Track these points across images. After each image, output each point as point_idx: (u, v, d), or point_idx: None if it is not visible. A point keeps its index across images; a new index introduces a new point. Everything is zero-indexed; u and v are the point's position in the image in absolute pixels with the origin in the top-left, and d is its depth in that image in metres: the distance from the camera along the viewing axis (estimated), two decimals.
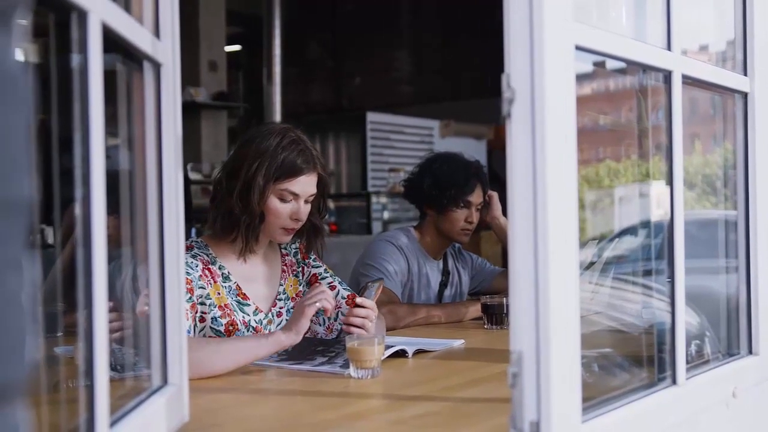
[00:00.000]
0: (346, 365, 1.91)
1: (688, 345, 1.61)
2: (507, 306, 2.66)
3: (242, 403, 1.73)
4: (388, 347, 2.04)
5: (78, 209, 1.02)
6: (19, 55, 0.58)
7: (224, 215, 2.21)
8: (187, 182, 5.59)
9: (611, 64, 1.55)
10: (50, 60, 1.04)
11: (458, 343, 2.36)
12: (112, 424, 1.09)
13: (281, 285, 2.35)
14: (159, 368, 1.37)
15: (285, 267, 2.39)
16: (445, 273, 3.16)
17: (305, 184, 2.21)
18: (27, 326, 0.57)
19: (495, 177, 4.46)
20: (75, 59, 1.02)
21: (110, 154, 1.11)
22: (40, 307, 0.63)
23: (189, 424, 1.44)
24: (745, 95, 1.82)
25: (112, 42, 1.12)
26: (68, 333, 1.34)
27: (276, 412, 1.64)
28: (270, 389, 1.80)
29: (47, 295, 1.83)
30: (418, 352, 2.18)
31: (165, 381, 1.38)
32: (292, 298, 2.36)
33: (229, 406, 1.70)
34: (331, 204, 7.78)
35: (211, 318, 2.16)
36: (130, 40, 1.19)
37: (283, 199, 2.19)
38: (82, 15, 1.00)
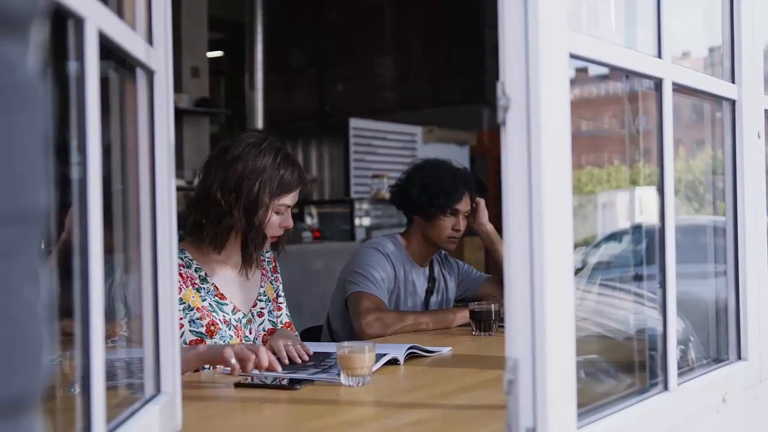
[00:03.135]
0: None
1: None
2: (495, 312, 2.66)
3: (234, 412, 1.73)
4: (379, 356, 2.04)
5: (74, 217, 1.02)
6: (36, 66, 0.57)
7: (225, 230, 2.26)
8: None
9: (593, 70, 1.56)
10: (45, 67, 1.03)
11: (447, 350, 2.36)
12: None
13: (261, 287, 2.43)
14: (152, 377, 1.36)
15: (264, 270, 2.47)
16: (432, 280, 3.16)
17: (296, 196, 2.35)
18: (44, 336, 0.57)
19: (479, 183, 4.47)
20: (71, 66, 1.02)
21: (102, 161, 1.10)
22: (54, 316, 0.63)
23: None
24: (732, 102, 1.84)
25: (106, 49, 1.11)
26: (58, 342, 1.33)
27: (268, 421, 1.64)
28: (262, 398, 1.79)
29: None
30: (411, 356, 2.19)
31: (158, 390, 1.37)
32: (272, 300, 2.45)
33: (221, 415, 1.69)
34: (314, 210, 7.76)
35: (189, 321, 2.20)
36: (124, 47, 1.18)
37: (278, 213, 2.30)
38: (79, 22, 0.99)
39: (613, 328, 2.01)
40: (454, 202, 3.01)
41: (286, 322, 2.47)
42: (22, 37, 0.55)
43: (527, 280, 1.17)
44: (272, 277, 2.50)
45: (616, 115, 1.95)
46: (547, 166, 1.17)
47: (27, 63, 0.56)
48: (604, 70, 1.59)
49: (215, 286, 2.29)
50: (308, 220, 7.52)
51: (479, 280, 3.27)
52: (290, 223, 2.35)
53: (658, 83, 1.53)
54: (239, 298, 2.34)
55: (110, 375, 1.43)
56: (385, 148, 8.42)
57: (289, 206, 2.32)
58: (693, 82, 1.69)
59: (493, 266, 3.48)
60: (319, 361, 2.14)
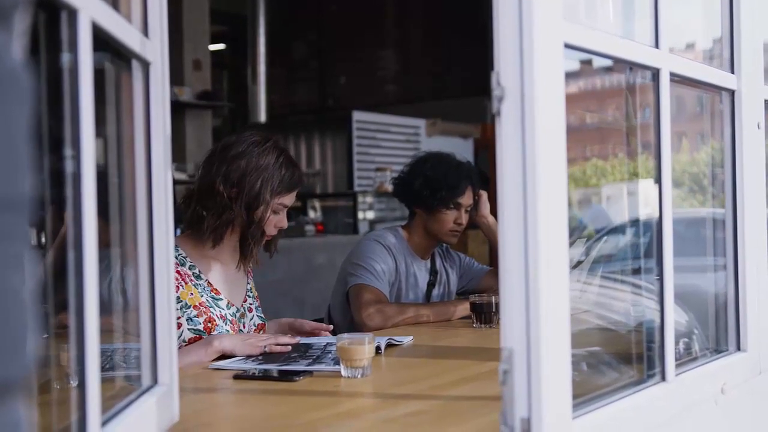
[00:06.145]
0: (337, 362, 1.90)
1: (676, 343, 1.62)
2: (496, 305, 2.66)
3: (232, 403, 1.73)
4: None
5: (68, 210, 1.02)
6: (19, 54, 0.58)
7: (224, 224, 2.28)
8: (172, 182, 5.60)
9: (598, 62, 1.56)
10: (39, 59, 1.03)
11: (407, 339, 2.39)
12: (103, 423, 1.09)
13: (248, 283, 2.48)
14: (149, 368, 1.36)
15: (249, 269, 2.50)
16: (433, 272, 3.16)
17: (294, 197, 2.39)
18: (29, 323, 0.57)
19: (481, 176, 4.50)
20: (64, 58, 1.02)
21: (97, 154, 1.10)
22: (40, 304, 0.63)
23: (179, 424, 1.43)
24: (732, 93, 1.83)
25: (101, 40, 1.11)
26: (56, 334, 1.33)
27: (266, 412, 1.64)
28: (260, 389, 1.79)
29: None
30: (389, 346, 2.24)
31: (155, 381, 1.37)
32: (256, 297, 2.50)
33: (218, 406, 1.69)
34: (317, 204, 7.77)
35: (187, 319, 2.22)
36: (119, 38, 1.18)
37: (275, 212, 2.33)
38: (72, 13, 0.99)
39: (615, 320, 2.01)
40: (457, 196, 3.00)
41: (259, 324, 2.48)
42: (6, 26, 0.55)
43: (522, 271, 1.17)
44: (252, 276, 2.54)
45: (621, 108, 1.95)
46: (542, 157, 1.17)
47: (10, 52, 0.56)
48: (609, 62, 1.59)
49: (209, 282, 2.32)
50: (311, 214, 7.52)
51: (481, 273, 3.27)
52: (285, 224, 2.39)
53: (655, 73, 1.53)
54: (231, 294, 2.38)
55: (114, 366, 1.44)
56: (389, 141, 8.42)
57: (286, 206, 2.36)
58: (691, 72, 1.69)
59: (496, 259, 3.48)
60: (304, 352, 2.14)
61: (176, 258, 2.27)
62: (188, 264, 2.30)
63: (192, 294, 2.26)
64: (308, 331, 2.44)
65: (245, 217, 2.28)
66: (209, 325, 2.24)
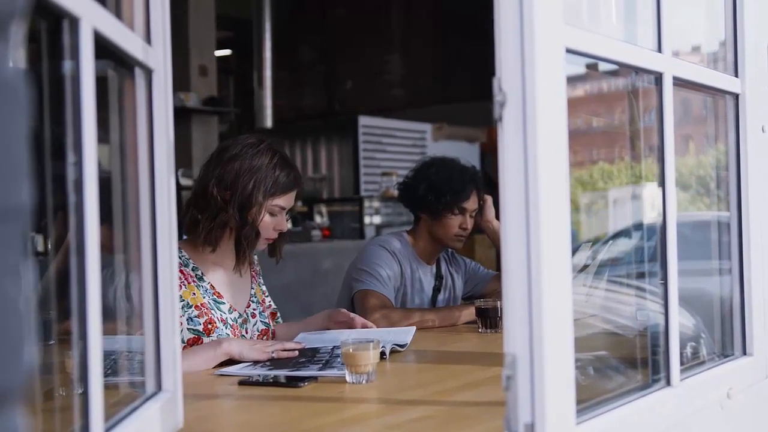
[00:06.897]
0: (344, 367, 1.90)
1: (683, 347, 1.61)
2: (501, 309, 2.65)
3: (237, 409, 1.73)
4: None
5: (71, 217, 1.02)
6: (17, 63, 0.58)
7: (219, 227, 2.28)
8: (178, 188, 5.62)
9: (603, 66, 1.55)
10: (41, 66, 1.03)
11: (411, 330, 2.42)
12: (107, 430, 1.09)
13: (252, 288, 2.47)
14: (153, 375, 1.37)
15: (254, 273, 2.51)
16: (439, 277, 3.16)
17: (292, 199, 2.37)
18: (26, 332, 0.57)
19: (488, 180, 4.49)
20: (66, 65, 1.02)
21: (101, 161, 1.10)
22: (36, 313, 0.63)
23: (183, 430, 1.43)
24: (736, 96, 1.83)
25: (103, 48, 1.12)
26: (61, 341, 1.34)
27: (271, 418, 1.64)
28: (265, 395, 1.79)
29: (39, 302, 1.83)
30: (394, 351, 2.23)
31: (159, 387, 1.37)
32: (261, 302, 2.49)
33: (223, 412, 1.69)
34: (324, 209, 7.77)
35: (188, 319, 2.23)
36: (121, 46, 1.19)
37: (272, 214, 2.33)
38: (74, 21, 1.00)
39: (621, 324, 2.01)
40: (462, 201, 3.00)
41: (271, 313, 2.52)
42: (3, 35, 0.55)
43: (525, 276, 1.17)
44: (259, 280, 2.55)
45: (627, 111, 1.95)
46: (544, 162, 1.17)
47: (7, 61, 0.56)
48: (615, 66, 1.58)
49: (211, 285, 2.32)
50: (318, 219, 7.52)
51: (486, 277, 3.27)
52: (284, 227, 2.38)
53: (658, 78, 1.52)
54: (234, 299, 2.38)
55: (117, 371, 1.44)
56: (395, 146, 8.42)
57: (283, 208, 2.34)
58: (694, 76, 1.68)
59: None
60: (311, 357, 2.13)
61: (180, 259, 2.28)
62: (191, 266, 2.31)
63: (194, 294, 2.26)
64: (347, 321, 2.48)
65: (238, 218, 2.28)
66: (209, 326, 2.24)
